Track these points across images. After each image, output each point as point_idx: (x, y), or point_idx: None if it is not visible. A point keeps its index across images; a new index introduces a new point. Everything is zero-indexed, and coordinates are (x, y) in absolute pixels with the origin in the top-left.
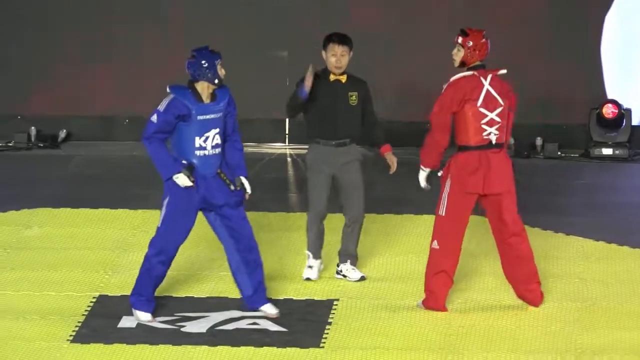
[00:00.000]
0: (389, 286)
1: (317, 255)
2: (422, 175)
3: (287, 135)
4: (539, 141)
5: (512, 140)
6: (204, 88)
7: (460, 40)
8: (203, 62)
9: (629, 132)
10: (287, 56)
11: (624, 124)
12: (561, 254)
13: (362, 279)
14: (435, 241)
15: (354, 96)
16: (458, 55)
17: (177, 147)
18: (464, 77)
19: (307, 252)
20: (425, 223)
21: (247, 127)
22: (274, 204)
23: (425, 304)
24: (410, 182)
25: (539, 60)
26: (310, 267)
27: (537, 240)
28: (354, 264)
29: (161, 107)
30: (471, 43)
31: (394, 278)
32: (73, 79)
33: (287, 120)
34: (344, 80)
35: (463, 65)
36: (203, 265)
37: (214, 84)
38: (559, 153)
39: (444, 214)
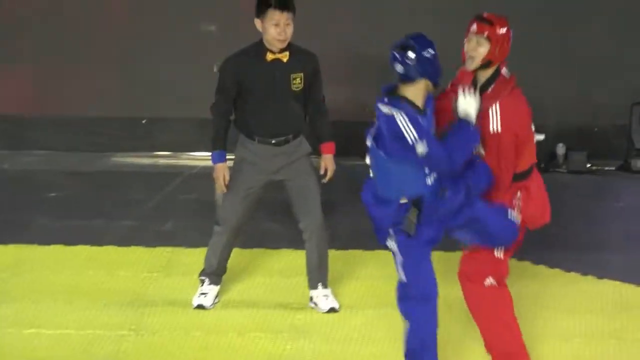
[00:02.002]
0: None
1: (214, 281)
2: None
3: None
4: (561, 149)
5: None
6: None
7: (486, 32)
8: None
9: None
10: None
11: None
12: (592, 305)
13: (332, 310)
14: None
15: (298, 79)
16: (480, 52)
17: None
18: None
19: (200, 277)
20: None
21: (159, 129)
22: (194, 234)
23: None
24: None
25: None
26: (204, 294)
27: (557, 285)
28: (325, 285)
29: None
30: (504, 30)
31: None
32: None
33: None
34: (285, 60)
35: (488, 64)
36: None
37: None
38: (589, 165)
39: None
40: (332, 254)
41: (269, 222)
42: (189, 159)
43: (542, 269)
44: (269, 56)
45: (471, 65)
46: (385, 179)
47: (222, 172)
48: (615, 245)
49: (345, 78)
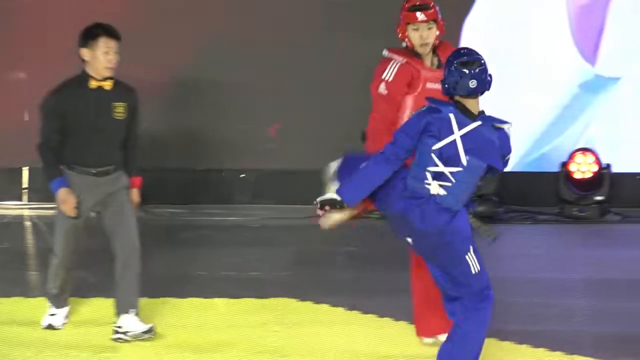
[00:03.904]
0: None
1: (60, 305)
2: None
3: (24, 190)
4: None
5: None
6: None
7: (432, 17)
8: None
9: None
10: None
11: None
12: None
13: (150, 331)
14: None
15: (120, 108)
16: (432, 35)
17: None
18: None
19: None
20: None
21: None
22: (3, 286)
23: None
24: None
25: None
26: (53, 314)
27: None
28: (136, 310)
29: None
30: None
31: None
32: None
33: (25, 169)
34: (109, 88)
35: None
36: None
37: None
38: None
39: None
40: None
41: (79, 270)
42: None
43: None
44: (93, 83)
45: (426, 49)
46: (463, 190)
47: (67, 194)
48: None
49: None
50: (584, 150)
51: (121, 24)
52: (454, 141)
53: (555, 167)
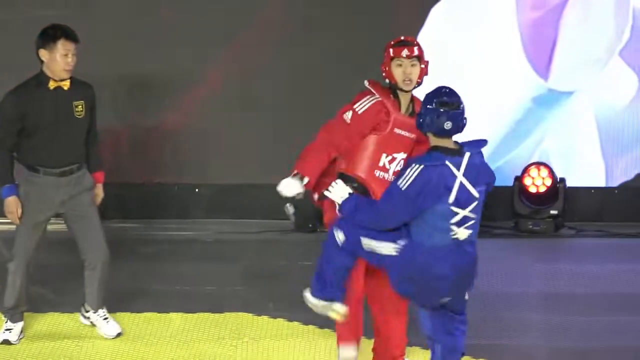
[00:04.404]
0: None
1: (19, 318)
2: None
3: None
4: None
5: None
6: None
7: (417, 54)
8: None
9: None
10: None
11: None
12: None
13: (119, 335)
14: None
15: (79, 106)
16: (416, 72)
17: None
18: None
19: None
20: None
21: None
22: None
23: None
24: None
25: None
26: (9, 329)
27: None
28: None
29: None
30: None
31: None
32: None
33: None
34: (66, 87)
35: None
36: None
37: None
38: None
39: None
40: None
41: (36, 286)
42: None
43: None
44: (52, 84)
45: (410, 86)
46: (480, 217)
47: (14, 205)
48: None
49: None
50: (538, 164)
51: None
52: (461, 183)
53: (509, 181)
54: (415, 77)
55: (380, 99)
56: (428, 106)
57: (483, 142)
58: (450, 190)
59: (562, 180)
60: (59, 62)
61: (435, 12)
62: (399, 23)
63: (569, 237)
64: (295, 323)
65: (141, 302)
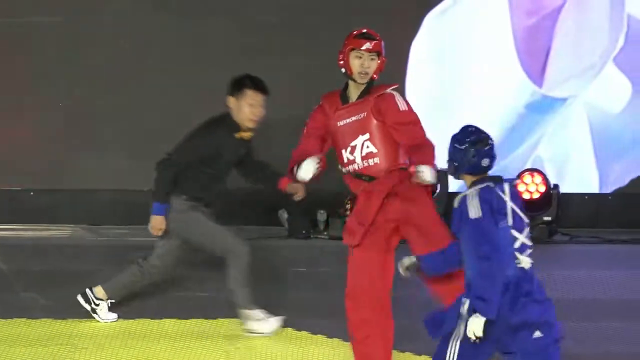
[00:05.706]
0: None
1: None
2: None
3: None
4: (322, 215)
5: None
6: None
7: (377, 49)
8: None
9: None
10: None
11: None
12: None
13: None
14: None
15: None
16: (373, 67)
17: None
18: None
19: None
20: None
21: None
22: None
23: None
24: None
25: None
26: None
27: None
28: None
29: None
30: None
31: None
32: None
33: None
34: (247, 139)
35: (372, 82)
36: None
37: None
38: None
39: None
40: None
41: (29, 292)
42: None
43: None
44: (239, 134)
45: (365, 79)
46: None
47: (163, 223)
48: None
49: None
50: (532, 170)
51: None
52: (512, 208)
53: None
54: (372, 72)
55: (320, 103)
56: (459, 147)
57: (512, 179)
58: (506, 215)
59: (556, 186)
60: (244, 110)
61: (429, 20)
62: (391, 31)
63: (562, 244)
64: (289, 329)
65: (135, 308)
